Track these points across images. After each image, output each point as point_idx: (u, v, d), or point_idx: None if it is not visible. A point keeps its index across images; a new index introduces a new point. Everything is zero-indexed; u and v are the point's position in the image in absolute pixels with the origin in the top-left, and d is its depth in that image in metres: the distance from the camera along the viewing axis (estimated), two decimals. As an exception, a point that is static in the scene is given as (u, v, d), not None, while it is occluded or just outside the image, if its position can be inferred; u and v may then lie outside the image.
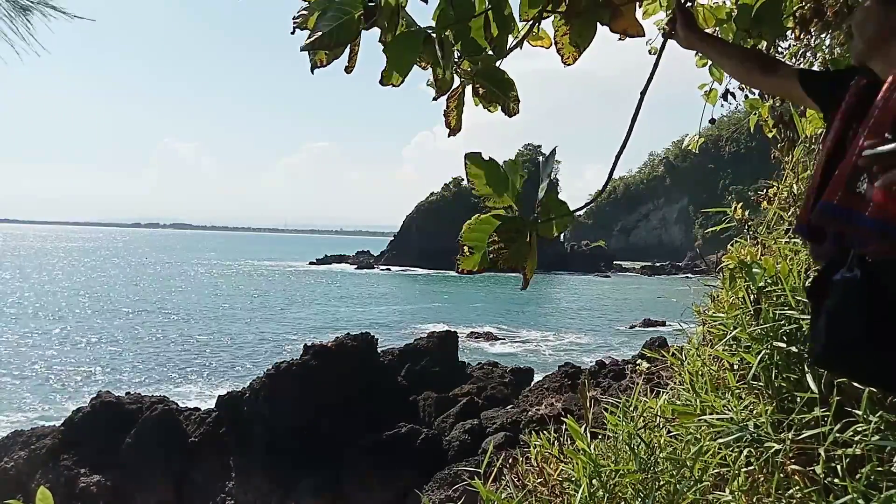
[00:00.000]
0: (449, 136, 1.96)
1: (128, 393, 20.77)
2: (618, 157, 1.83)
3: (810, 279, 1.69)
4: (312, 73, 1.72)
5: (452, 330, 25.11)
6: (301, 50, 1.66)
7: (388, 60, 1.67)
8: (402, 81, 1.71)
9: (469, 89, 1.92)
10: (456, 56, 1.83)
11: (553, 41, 1.86)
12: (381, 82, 1.72)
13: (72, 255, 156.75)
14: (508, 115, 1.94)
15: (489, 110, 1.94)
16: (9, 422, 24.21)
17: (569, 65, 1.90)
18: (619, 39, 1.92)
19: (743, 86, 3.32)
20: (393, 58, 1.67)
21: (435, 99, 1.86)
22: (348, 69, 1.76)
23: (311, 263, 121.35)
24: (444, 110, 1.92)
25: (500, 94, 1.90)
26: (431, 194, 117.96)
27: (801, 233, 1.70)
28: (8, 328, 46.76)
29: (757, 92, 3.45)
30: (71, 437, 17.80)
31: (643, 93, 1.77)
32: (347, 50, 1.74)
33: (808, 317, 2.39)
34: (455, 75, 1.87)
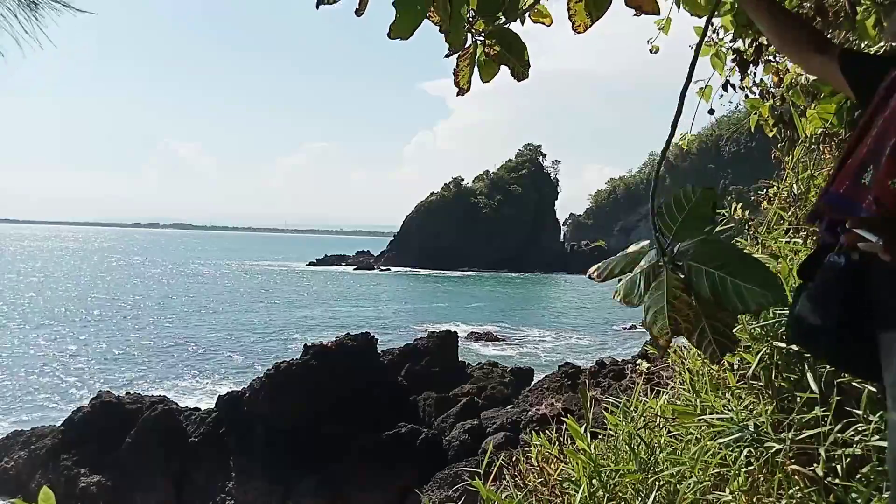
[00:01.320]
0: (458, 94, 1.93)
1: (128, 393, 20.79)
2: (661, 161, 1.80)
3: (804, 259, 1.72)
4: (317, 8, 1.69)
5: (452, 330, 25.13)
6: None
7: (399, 13, 1.66)
8: (411, 34, 1.69)
9: (479, 51, 1.90)
10: (470, 16, 1.81)
11: (567, 7, 1.82)
12: (389, 35, 1.70)
13: (72, 256, 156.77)
14: (517, 79, 1.91)
15: (484, 79, 1.91)
16: (9, 422, 24.22)
17: (580, 32, 1.82)
18: (635, 15, 1.87)
19: (744, 84, 3.32)
20: (403, 10, 1.65)
21: (447, 56, 1.83)
22: (359, 11, 1.72)
23: (310, 264, 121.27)
24: (454, 69, 1.90)
25: (511, 57, 1.87)
26: (431, 194, 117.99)
27: (811, 218, 1.73)
28: (9, 329, 46.76)
29: (758, 91, 3.45)
30: (71, 437, 17.81)
31: (683, 93, 1.72)
32: None
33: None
34: (468, 35, 1.85)
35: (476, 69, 1.92)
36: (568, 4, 1.80)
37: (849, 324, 1.51)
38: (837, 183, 1.52)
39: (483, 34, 1.86)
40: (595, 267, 1.67)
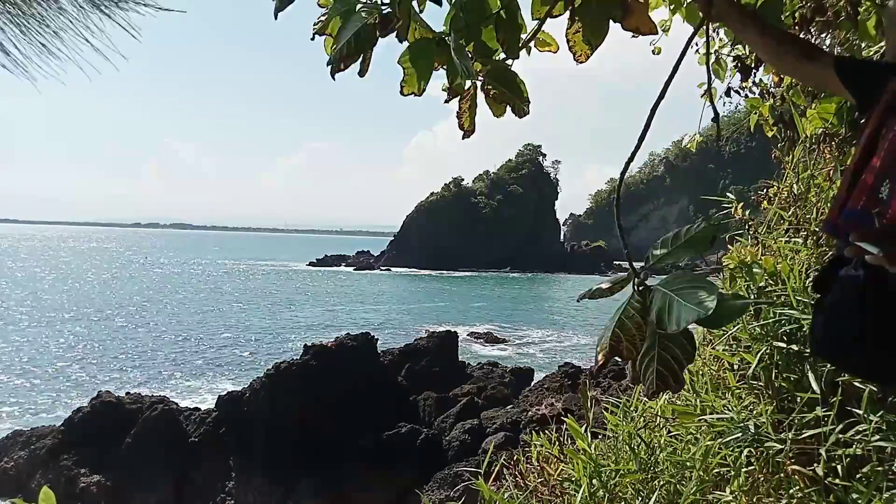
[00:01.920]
0: (463, 137, 1.96)
1: (128, 393, 20.77)
2: (627, 164, 1.80)
3: (817, 273, 1.71)
4: (333, 78, 1.76)
5: (452, 330, 25.12)
6: (328, 65, 1.71)
7: (406, 71, 1.69)
8: (424, 90, 1.73)
9: (480, 91, 1.93)
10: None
11: (566, 38, 1.84)
12: (402, 92, 1.73)
13: (73, 256, 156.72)
14: (518, 115, 1.93)
15: (495, 115, 1.94)
16: (9, 422, 24.22)
17: (581, 62, 1.86)
18: (633, 37, 1.88)
19: (744, 85, 3.32)
20: (410, 68, 1.69)
21: (447, 101, 1.86)
22: (361, 73, 1.78)
23: (310, 264, 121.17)
24: (457, 112, 1.93)
25: (511, 96, 1.90)
26: (431, 194, 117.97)
27: (830, 232, 1.72)
28: (9, 329, 46.75)
29: (758, 91, 3.45)
30: (71, 437, 17.81)
31: (659, 99, 1.73)
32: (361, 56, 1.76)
33: (808, 316, 2.40)
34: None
35: (482, 106, 1.96)
36: (566, 35, 1.81)
37: (873, 335, 1.50)
38: (854, 199, 1.51)
39: (482, 75, 1.88)
40: (581, 293, 1.72)
